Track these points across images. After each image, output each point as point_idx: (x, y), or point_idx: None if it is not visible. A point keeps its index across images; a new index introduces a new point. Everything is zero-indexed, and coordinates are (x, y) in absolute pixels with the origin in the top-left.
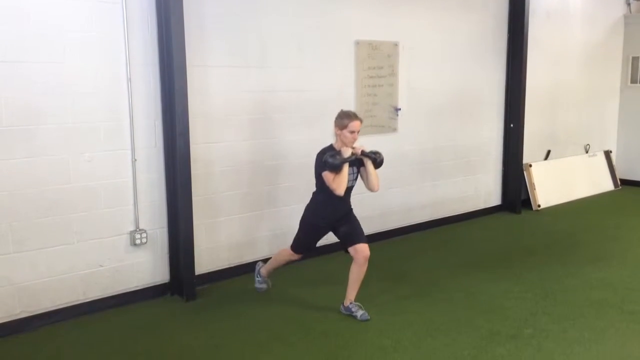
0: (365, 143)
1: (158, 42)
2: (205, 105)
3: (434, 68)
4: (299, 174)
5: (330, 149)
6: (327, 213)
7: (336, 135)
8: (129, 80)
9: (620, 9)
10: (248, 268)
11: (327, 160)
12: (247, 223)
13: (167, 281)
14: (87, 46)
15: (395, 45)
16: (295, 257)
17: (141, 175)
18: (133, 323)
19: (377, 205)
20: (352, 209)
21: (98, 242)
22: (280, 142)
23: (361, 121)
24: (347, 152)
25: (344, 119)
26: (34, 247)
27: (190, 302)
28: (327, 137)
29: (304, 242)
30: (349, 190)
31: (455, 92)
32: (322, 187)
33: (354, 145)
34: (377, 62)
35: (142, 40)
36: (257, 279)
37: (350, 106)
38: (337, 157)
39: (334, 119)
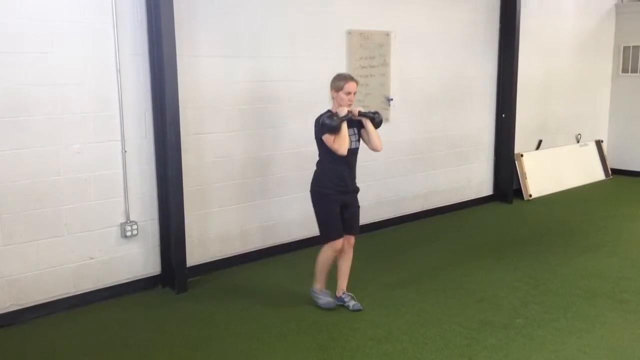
0: None
1: (148, 31)
2: (196, 95)
3: (426, 58)
4: (291, 164)
5: (327, 112)
6: (334, 179)
7: (332, 98)
8: (119, 70)
9: None
10: (240, 259)
11: (325, 121)
12: (239, 214)
13: (158, 273)
14: (75, 36)
15: (387, 35)
16: (338, 246)
17: (131, 167)
18: (124, 315)
19: (369, 196)
20: (358, 189)
21: (88, 234)
22: (272, 133)
23: (357, 82)
24: (343, 112)
25: (340, 80)
26: (24, 240)
27: (181, 293)
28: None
29: (331, 221)
30: (353, 153)
31: (447, 82)
32: (325, 153)
33: (351, 108)
34: (369, 52)
35: (132, 30)
36: (318, 300)
37: None
38: (334, 117)
39: (329, 83)
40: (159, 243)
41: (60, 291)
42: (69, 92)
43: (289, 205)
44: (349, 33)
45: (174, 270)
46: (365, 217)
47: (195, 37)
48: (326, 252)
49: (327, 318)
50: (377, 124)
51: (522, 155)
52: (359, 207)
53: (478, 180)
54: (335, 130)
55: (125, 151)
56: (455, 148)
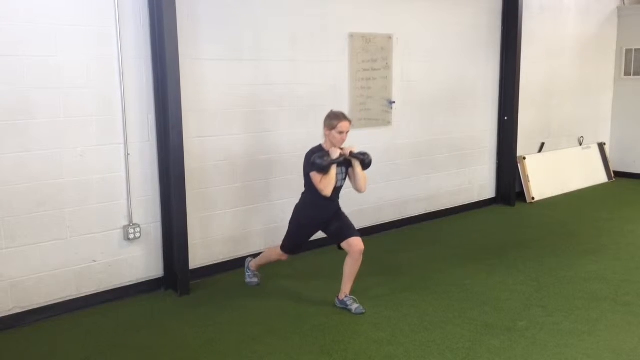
0: (359, 136)
1: (150, 35)
2: (198, 98)
3: (428, 61)
4: (293, 167)
5: (319, 149)
6: (316, 213)
7: (325, 135)
8: (122, 73)
9: (613, 1)
10: (242, 262)
11: (315, 161)
12: (241, 217)
13: (161, 276)
14: (78, 40)
15: (389, 38)
16: (285, 257)
17: (134, 170)
18: (127, 318)
19: (371, 199)
20: (340, 208)
21: (91, 237)
22: (274, 136)
23: (350, 122)
24: (335, 153)
25: (333, 119)
26: (27, 243)
27: (184, 296)
28: (320, 130)
29: (294, 242)
30: (337, 190)
31: (450, 85)
32: (310, 187)
33: (343, 146)
34: (371, 55)
35: (135, 34)
36: (247, 273)
37: (344, 99)
38: (325, 158)
39: (323, 119)
40: (161, 246)
41: (63, 294)
42: (72, 95)
43: (291, 208)
44: (351, 36)
45: (177, 272)
46: (368, 219)
47: (197, 40)
48: (274, 252)
49: (330, 321)
50: (366, 165)
51: (524, 158)
52: (345, 216)
53: (480, 183)
54: (324, 170)
55: (128, 154)
56: (458, 151)
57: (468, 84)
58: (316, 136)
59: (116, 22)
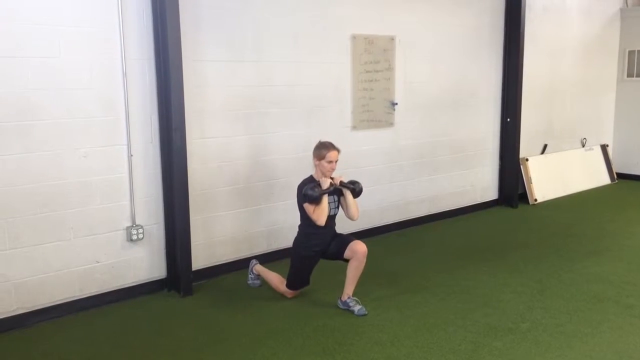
0: (362, 138)
1: (154, 36)
2: (201, 100)
3: (430, 62)
4: (295, 168)
5: (310, 180)
6: (316, 242)
7: (315, 165)
8: (125, 74)
9: (616, 3)
10: (245, 263)
11: (307, 192)
12: (244, 218)
13: (163, 277)
14: (82, 40)
15: (392, 39)
16: (290, 294)
17: (137, 171)
18: (130, 319)
19: (374, 200)
20: (336, 232)
21: (94, 238)
22: (277, 137)
23: (339, 151)
24: (325, 183)
25: (322, 149)
26: (30, 243)
27: (186, 297)
28: (322, 131)
29: (300, 277)
30: (332, 218)
31: (452, 86)
32: (306, 218)
33: (333, 175)
34: (374, 57)
35: (138, 35)
36: (250, 275)
37: (347, 100)
38: (316, 189)
39: (312, 150)
40: (164, 247)
41: (66, 295)
42: (76, 96)
43: (293, 209)
44: (354, 37)
45: (179, 274)
46: (370, 221)
47: (200, 41)
48: (280, 285)
49: (332, 322)
50: (357, 194)
51: (527, 160)
52: (339, 234)
53: (483, 184)
54: (316, 201)
55: (131, 155)
56: (460, 152)
57: (470, 85)
58: (318, 137)
59: (119, 23)
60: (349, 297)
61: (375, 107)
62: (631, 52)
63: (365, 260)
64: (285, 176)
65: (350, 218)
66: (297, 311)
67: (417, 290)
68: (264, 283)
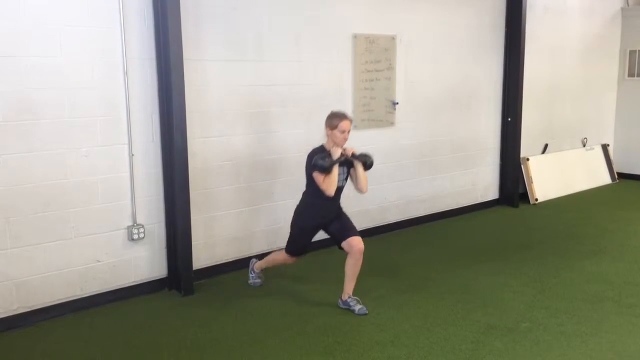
0: (363, 137)
1: (155, 35)
2: (202, 99)
3: (431, 62)
4: (296, 168)
5: (321, 149)
6: (318, 214)
7: (327, 135)
8: (126, 74)
9: (617, 2)
10: (245, 263)
11: (317, 161)
12: (245, 217)
13: (164, 276)
14: (83, 40)
15: (393, 39)
16: (292, 260)
17: (138, 170)
18: (131, 318)
19: (375, 199)
20: (341, 208)
21: (95, 237)
22: (278, 136)
23: (351, 121)
24: (336, 153)
25: (334, 119)
26: (31, 243)
27: (187, 296)
28: (323, 131)
29: (298, 244)
30: (339, 190)
31: (453, 85)
32: (312, 187)
33: (345, 146)
34: (375, 56)
35: (139, 34)
36: (250, 274)
37: (348, 100)
38: (327, 158)
39: (325, 119)
40: (165, 246)
41: (67, 294)
42: (77, 95)
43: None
44: (355, 37)
45: (180, 273)
46: (371, 220)
47: (201, 41)
48: (279, 255)
49: (333, 321)
50: (367, 167)
51: (528, 159)
52: (345, 215)
53: (484, 184)
54: (326, 171)
55: (133, 154)
56: (461, 152)
57: (471, 84)
58: (319, 137)
59: (121, 23)
60: (349, 297)
61: (376, 107)
62: (632, 52)
63: (361, 258)
64: (286, 175)
65: (360, 191)
66: (297, 310)
67: (418, 290)
68: (266, 281)
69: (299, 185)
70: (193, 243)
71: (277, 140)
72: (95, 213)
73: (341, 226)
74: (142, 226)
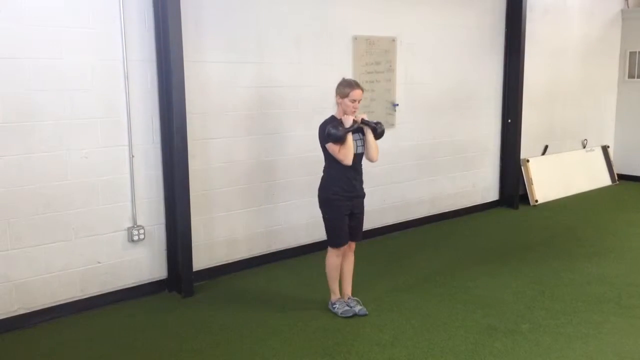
0: None
1: (155, 37)
2: (202, 101)
3: (431, 63)
4: (296, 169)
5: (332, 119)
6: (341, 186)
7: (337, 104)
8: (126, 76)
9: (617, 4)
10: (246, 264)
11: (330, 132)
12: (245, 219)
13: (164, 277)
14: (84, 42)
15: (393, 40)
16: (341, 252)
17: (139, 172)
18: (131, 319)
19: (375, 201)
20: (364, 194)
21: (95, 239)
22: (278, 138)
23: (363, 90)
24: (348, 121)
25: (346, 87)
26: (32, 244)
27: (187, 298)
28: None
29: (336, 228)
30: (358, 157)
31: (453, 87)
32: (331, 160)
33: (355, 115)
34: (375, 58)
35: (139, 36)
36: (337, 311)
37: None
38: (340, 127)
39: (335, 88)
40: (165, 247)
41: (67, 295)
42: (77, 97)
43: (294, 210)
44: (355, 39)
45: (181, 274)
46: (371, 222)
47: (201, 43)
48: (332, 258)
49: (333, 323)
50: (378, 134)
51: (528, 161)
52: (364, 213)
53: (484, 185)
54: (340, 140)
55: (133, 156)
56: (461, 153)
57: (471, 86)
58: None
59: (121, 25)
60: (349, 298)
61: (377, 108)
62: (632, 53)
63: (352, 255)
64: (286, 177)
65: (370, 159)
66: (297, 311)
67: (418, 291)
68: (266, 283)
69: (300, 187)
70: (193, 244)
71: (277, 141)
72: (95, 214)
73: (355, 227)
74: (143, 227)
